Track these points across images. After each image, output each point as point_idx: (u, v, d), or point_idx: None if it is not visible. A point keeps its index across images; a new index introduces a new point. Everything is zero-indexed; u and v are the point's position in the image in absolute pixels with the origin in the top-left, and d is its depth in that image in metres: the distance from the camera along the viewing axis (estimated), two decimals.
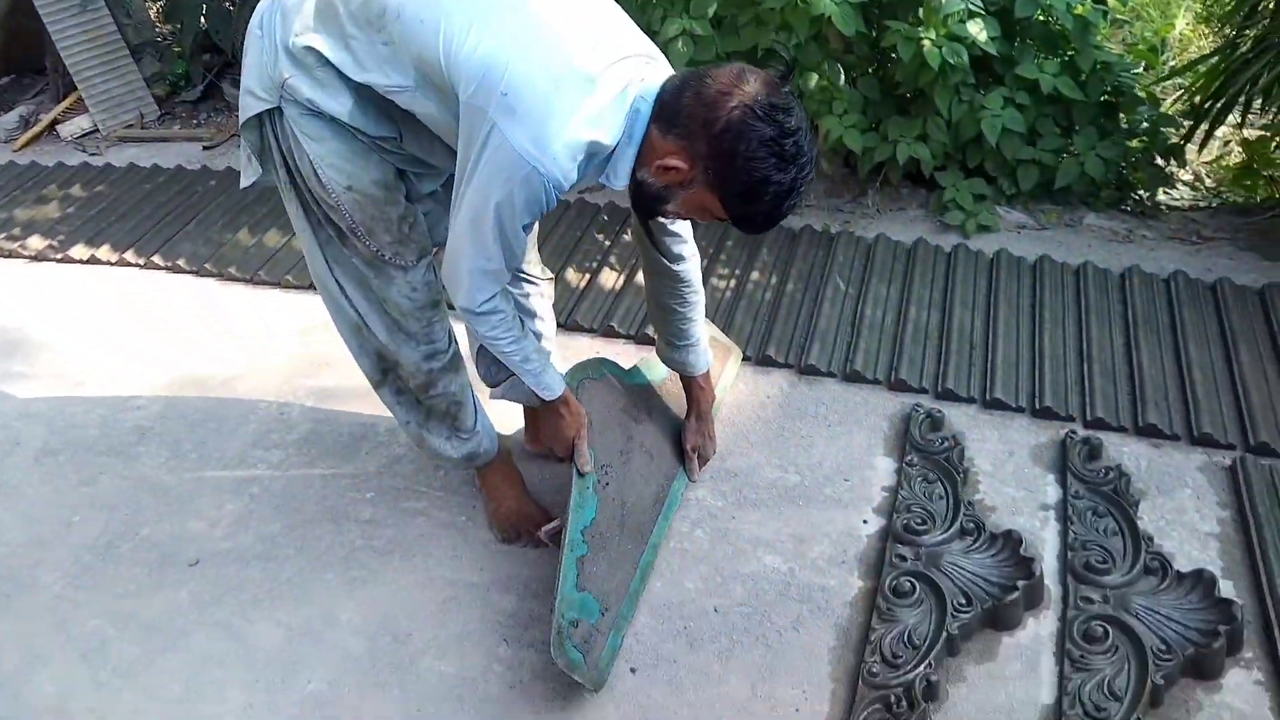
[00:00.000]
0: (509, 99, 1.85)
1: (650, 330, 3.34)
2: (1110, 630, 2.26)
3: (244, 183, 2.28)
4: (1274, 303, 3.24)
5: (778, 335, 3.33)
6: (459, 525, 2.76)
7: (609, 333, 3.44)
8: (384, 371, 2.51)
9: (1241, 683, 2.19)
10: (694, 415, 2.82)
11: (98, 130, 5.50)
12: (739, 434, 2.98)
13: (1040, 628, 2.35)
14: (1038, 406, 2.96)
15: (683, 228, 2.39)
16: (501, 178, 1.91)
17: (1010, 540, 2.49)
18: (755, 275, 3.63)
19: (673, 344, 2.66)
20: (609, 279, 3.68)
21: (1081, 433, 2.84)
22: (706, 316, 2.72)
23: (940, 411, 2.94)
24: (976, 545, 2.51)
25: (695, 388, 2.77)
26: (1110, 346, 3.16)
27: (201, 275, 4.03)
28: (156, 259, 4.13)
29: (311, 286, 3.81)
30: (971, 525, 2.56)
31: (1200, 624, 2.25)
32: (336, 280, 2.34)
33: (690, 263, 2.49)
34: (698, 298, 2.58)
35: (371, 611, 2.53)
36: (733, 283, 3.61)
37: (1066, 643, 2.27)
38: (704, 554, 2.62)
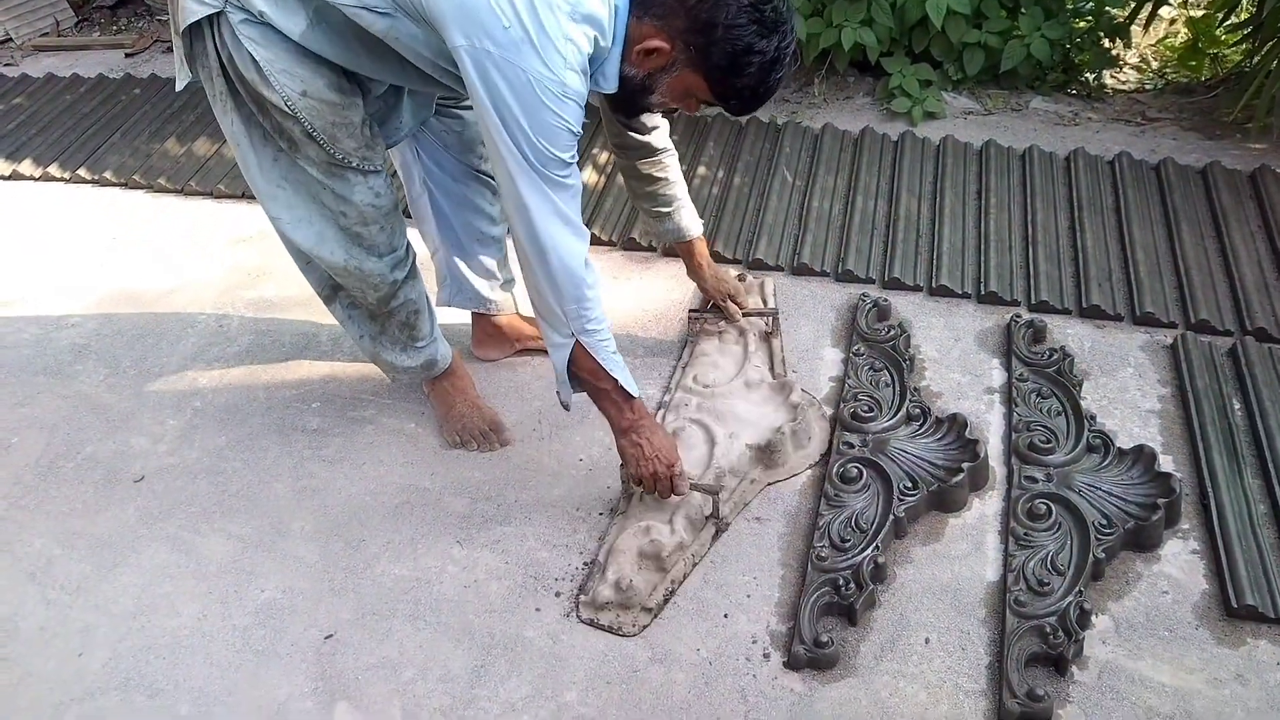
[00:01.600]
0: (511, 32, 1.75)
1: (636, 235, 3.30)
2: (1053, 508, 2.31)
3: (180, 85, 2.18)
4: (1216, 181, 3.26)
5: (725, 230, 3.29)
6: (408, 432, 2.74)
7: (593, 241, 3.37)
8: (334, 288, 2.44)
9: (1178, 552, 2.26)
10: (708, 270, 2.83)
11: (11, 40, 5.23)
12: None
13: (985, 508, 2.40)
14: (983, 292, 2.97)
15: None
16: (534, 109, 1.81)
17: (955, 423, 2.52)
18: (702, 170, 3.57)
19: (662, 214, 2.64)
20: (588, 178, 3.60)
21: (1026, 316, 2.86)
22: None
23: (886, 300, 2.94)
24: (922, 430, 2.54)
25: (696, 248, 2.78)
26: (1055, 230, 3.16)
27: (130, 188, 3.90)
28: (82, 172, 3.98)
29: (247, 195, 3.71)
30: (917, 410, 2.58)
31: (1140, 498, 2.31)
32: (287, 199, 2.22)
33: (662, 129, 2.48)
34: (674, 159, 2.57)
35: (323, 519, 2.52)
36: None
37: (1011, 521, 2.31)
38: None
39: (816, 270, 3.12)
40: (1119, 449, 2.44)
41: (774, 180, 3.47)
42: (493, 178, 2.62)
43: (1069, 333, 2.85)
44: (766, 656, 2.13)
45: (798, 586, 2.25)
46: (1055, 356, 2.70)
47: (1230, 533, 2.24)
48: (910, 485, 2.38)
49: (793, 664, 2.10)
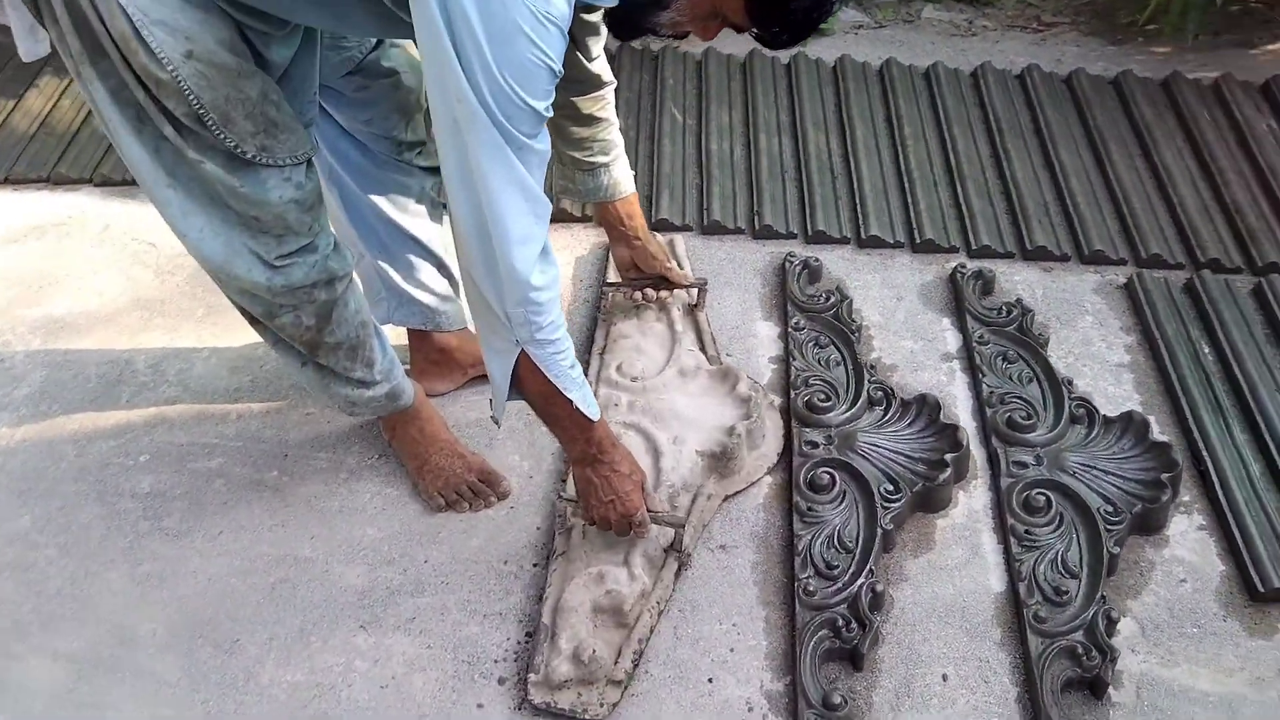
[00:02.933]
0: None
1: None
2: (1051, 498, 2.05)
3: (28, 55, 1.60)
4: (1132, 93, 3.04)
5: None
6: (270, 482, 2.19)
7: None
8: (269, 311, 1.85)
9: (1185, 531, 2.05)
10: (644, 237, 2.35)
11: None
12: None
13: (972, 502, 2.11)
14: (918, 240, 2.65)
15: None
16: (505, 36, 1.32)
17: (926, 406, 2.21)
18: None
19: (597, 166, 2.14)
20: None
21: (970, 265, 2.57)
22: None
23: (817, 260, 2.58)
24: (888, 417, 2.22)
25: (630, 209, 2.28)
26: (979, 160, 2.87)
27: None
28: None
29: (40, 179, 3.00)
30: (879, 394, 2.25)
31: (1141, 474, 2.07)
32: (180, 204, 1.64)
33: (604, 57, 2.00)
34: (613, 95, 2.09)
35: (179, 617, 1.97)
36: None
37: (1008, 517, 2.04)
38: None
39: (730, 228, 2.72)
40: (1104, 417, 2.19)
41: (663, 120, 3.01)
42: (421, 156, 2.07)
43: (1016, 280, 2.58)
44: None
45: (787, 630, 1.91)
46: (1014, 312, 2.42)
47: (1237, 503, 2.04)
48: (892, 488, 2.06)
49: None
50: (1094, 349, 2.40)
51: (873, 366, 2.32)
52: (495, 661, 1.89)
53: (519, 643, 1.91)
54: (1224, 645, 1.87)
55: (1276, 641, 1.87)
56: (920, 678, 1.84)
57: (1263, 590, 1.91)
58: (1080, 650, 1.81)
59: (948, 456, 2.08)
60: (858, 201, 2.74)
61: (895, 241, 2.66)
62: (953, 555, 2.02)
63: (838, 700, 1.76)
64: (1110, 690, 1.80)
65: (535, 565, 2.03)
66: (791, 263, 2.57)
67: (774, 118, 3.02)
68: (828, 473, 2.10)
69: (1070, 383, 2.26)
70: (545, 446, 2.23)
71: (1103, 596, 1.88)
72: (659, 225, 2.72)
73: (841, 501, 2.06)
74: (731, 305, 2.54)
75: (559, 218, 2.71)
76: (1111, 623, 1.85)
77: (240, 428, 2.30)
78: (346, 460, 2.22)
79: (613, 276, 2.55)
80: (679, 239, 2.66)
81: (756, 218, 2.72)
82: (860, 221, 2.69)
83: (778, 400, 2.30)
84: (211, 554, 2.07)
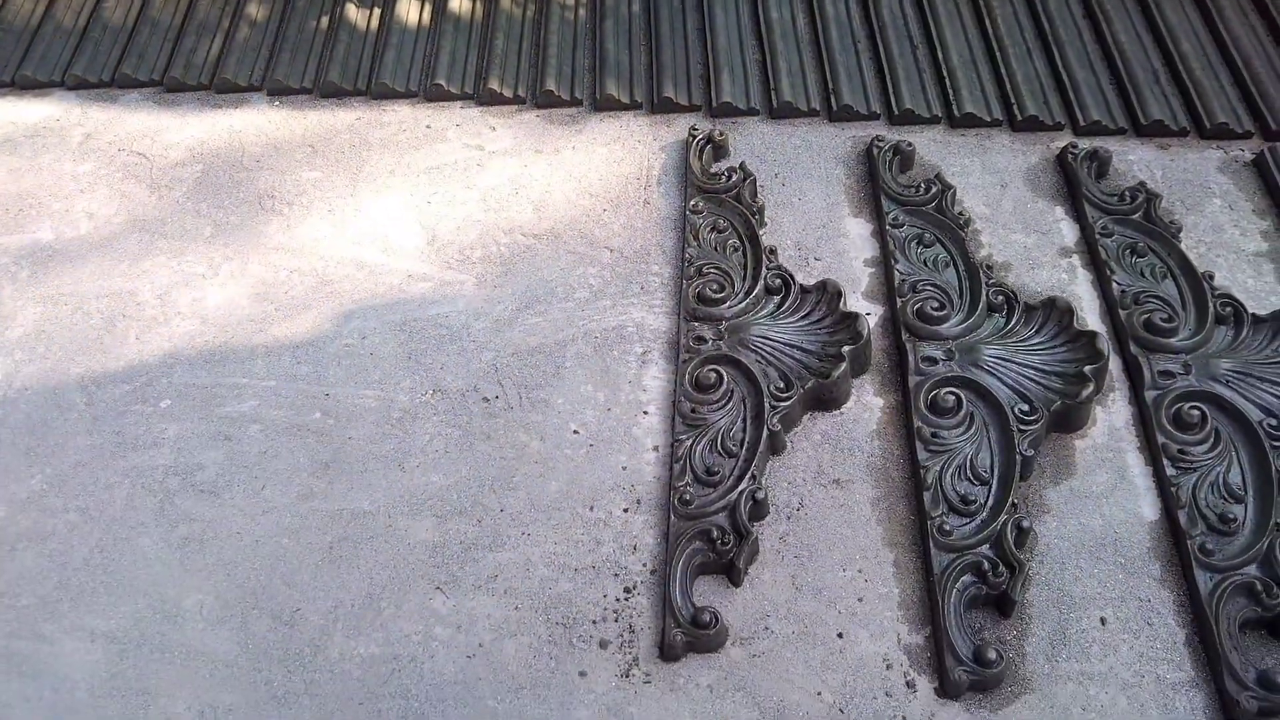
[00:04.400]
0: None
1: (552, 83, 2.45)
2: (1205, 410, 1.81)
3: None
4: None
5: (641, 64, 2.49)
6: (313, 426, 1.93)
7: (494, 98, 2.52)
8: None
9: None
10: None
11: None
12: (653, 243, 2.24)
13: (1113, 418, 1.88)
14: (1018, 117, 2.35)
15: None
16: None
17: (1055, 311, 1.95)
18: None
19: None
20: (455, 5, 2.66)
21: (1082, 145, 2.27)
22: None
23: (908, 144, 2.28)
24: (1012, 326, 1.96)
25: None
26: (1073, 21, 2.54)
27: None
28: None
29: (2, 84, 2.64)
30: (1000, 298, 1.99)
31: None
32: None
33: None
34: None
35: (227, 585, 1.74)
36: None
37: (1156, 435, 1.81)
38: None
39: (803, 109, 2.40)
40: (1254, 316, 1.94)
41: None
42: None
43: (1131, 160, 2.29)
44: (911, 685, 1.59)
45: (921, 575, 1.69)
46: (1139, 198, 2.14)
47: None
48: (1026, 408, 1.82)
49: (950, 691, 1.57)
50: (1226, 236, 2.13)
51: (988, 267, 2.06)
52: (594, 622, 1.66)
53: (617, 599, 1.69)
54: None
55: None
56: (1075, 622, 1.64)
57: None
58: (1259, 587, 1.60)
59: (1087, 369, 1.84)
60: (945, 74, 2.42)
61: (993, 119, 2.35)
62: (1097, 481, 1.80)
63: (992, 655, 1.56)
64: None
65: (625, 510, 1.79)
66: (880, 148, 2.26)
67: None
68: (952, 393, 1.85)
69: (1210, 276, 2.00)
70: (620, 374, 1.97)
71: (1277, 524, 1.67)
72: (721, 110, 2.40)
73: (970, 425, 1.82)
74: (815, 200, 2.25)
75: (561, 104, 2.43)
76: None
77: (270, 364, 2.02)
78: (397, 398, 1.95)
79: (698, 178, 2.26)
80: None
81: (833, 97, 2.40)
82: (951, 96, 2.38)
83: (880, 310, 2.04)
84: (255, 512, 1.82)
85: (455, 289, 2.12)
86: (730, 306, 2.00)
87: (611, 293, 2.10)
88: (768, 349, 1.94)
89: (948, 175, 2.25)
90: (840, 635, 1.64)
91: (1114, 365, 1.93)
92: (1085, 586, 1.67)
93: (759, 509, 1.75)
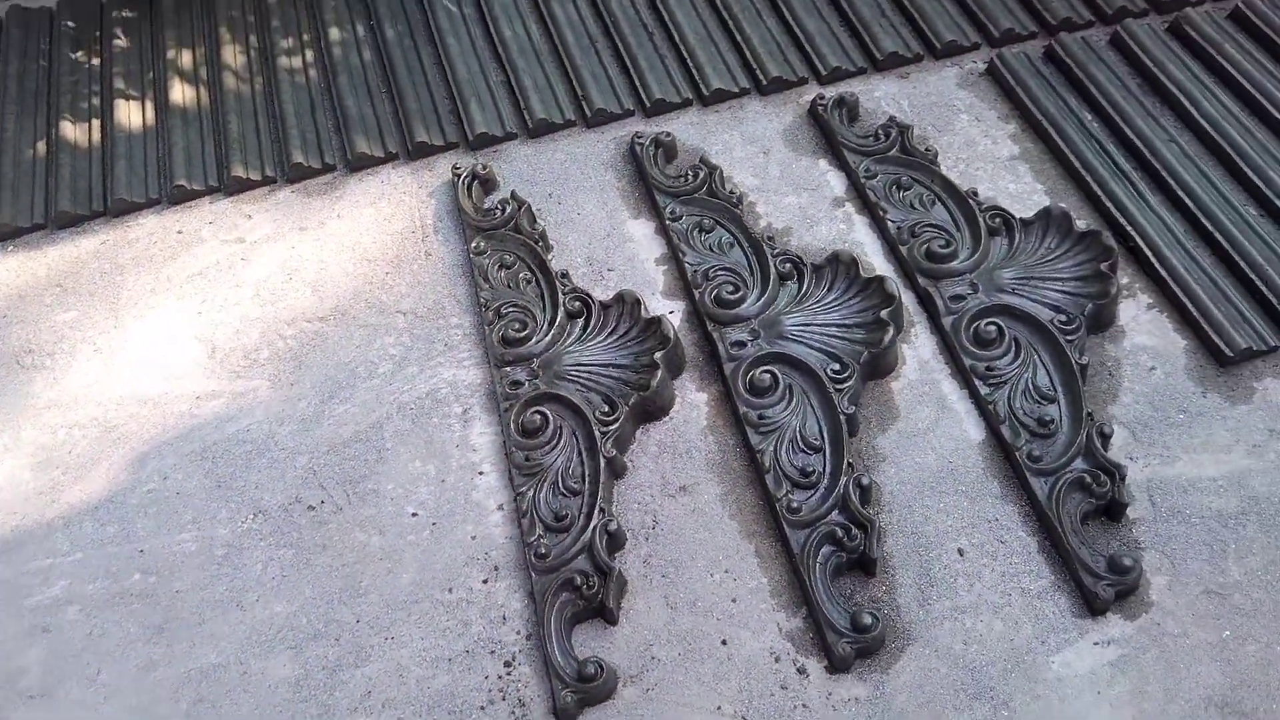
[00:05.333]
0: None
1: (299, 155, 2.33)
2: (1000, 324, 1.89)
3: None
4: None
5: (309, 134, 2.42)
6: (135, 590, 1.79)
7: (243, 185, 2.36)
8: None
9: (1136, 316, 1.94)
10: None
11: None
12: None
13: (919, 352, 1.94)
14: (764, 81, 2.38)
15: None
16: None
17: (841, 265, 1.99)
18: (336, 34, 2.59)
19: None
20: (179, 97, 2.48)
21: (829, 94, 2.32)
22: None
23: (667, 134, 2.28)
24: (805, 290, 1.98)
25: None
26: None
27: None
28: None
29: None
30: (788, 265, 2.01)
31: (1080, 271, 1.94)
32: None
33: None
34: None
35: None
36: None
37: (962, 358, 1.87)
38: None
39: (560, 122, 2.37)
40: (1022, 221, 2.03)
41: (437, 18, 2.58)
42: None
43: (877, 96, 2.36)
44: (802, 671, 1.60)
45: (784, 558, 1.71)
46: (892, 133, 2.20)
47: (1176, 270, 1.94)
48: (838, 367, 1.85)
49: (839, 666, 1.59)
50: (980, 148, 2.23)
51: (769, 237, 2.08)
52: (481, 709, 1.61)
53: (500, 677, 1.64)
54: (1212, 423, 1.79)
55: (1257, 402, 1.80)
56: (936, 561, 1.69)
57: (1231, 354, 1.83)
58: (1088, 479, 1.68)
59: (883, 314, 1.89)
60: (686, 55, 2.43)
61: (741, 89, 2.38)
62: (921, 417, 1.85)
63: (868, 620, 1.59)
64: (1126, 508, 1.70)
65: (485, 581, 1.73)
66: (641, 144, 2.25)
67: None
68: (767, 371, 1.87)
69: (974, 193, 2.08)
70: (445, 440, 1.90)
71: (1089, 414, 1.76)
72: (479, 142, 2.34)
73: (790, 398, 1.84)
74: (593, 212, 2.22)
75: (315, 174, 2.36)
76: (1106, 438, 1.73)
77: (73, 535, 1.86)
78: (217, 533, 1.83)
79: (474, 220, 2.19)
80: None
81: (585, 103, 2.37)
82: (697, 76, 2.39)
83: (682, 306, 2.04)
84: (96, 702, 1.68)
85: (249, 398, 2.00)
86: (537, 342, 1.96)
87: (416, 358, 2.03)
88: (584, 376, 1.91)
89: (711, 155, 2.27)
90: (724, 642, 1.64)
91: (908, 301, 2.00)
92: (936, 523, 1.73)
93: (615, 540, 1.72)
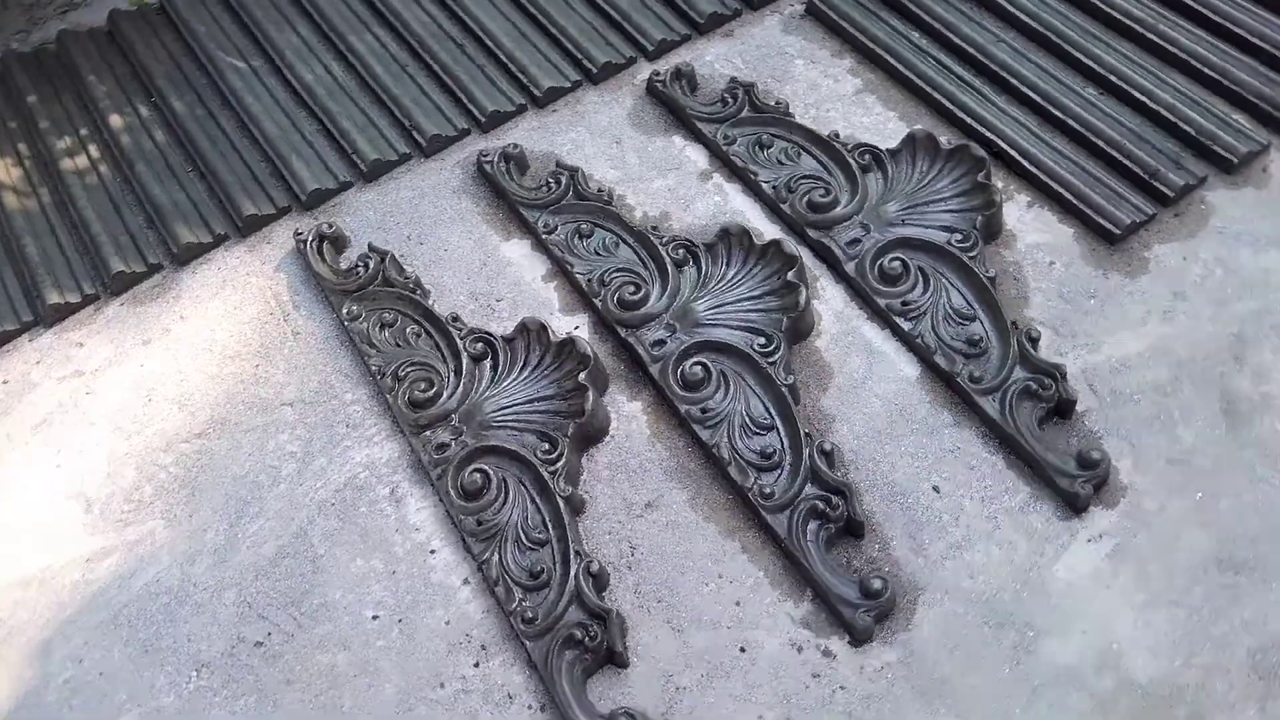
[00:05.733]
0: None
1: (120, 263, 2.07)
2: (902, 258, 1.89)
3: None
4: None
5: (121, 237, 2.20)
6: None
7: (70, 308, 2.08)
8: None
9: (1020, 217, 1.98)
10: None
11: None
12: None
13: (832, 304, 1.92)
14: (594, 70, 2.29)
15: None
16: None
17: (732, 239, 1.93)
18: (122, 119, 2.32)
19: None
20: None
21: (664, 68, 2.25)
22: None
23: (515, 146, 2.16)
24: (707, 275, 1.92)
25: None
26: None
27: None
28: None
29: None
30: (680, 252, 1.93)
31: (960, 188, 1.96)
32: None
33: None
34: None
35: None
36: None
37: (875, 299, 1.86)
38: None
39: (396, 158, 2.21)
40: (889, 151, 2.04)
41: (226, 79, 2.35)
42: None
43: (709, 60, 2.31)
44: (828, 654, 1.56)
45: (773, 545, 1.66)
46: (738, 95, 2.16)
47: (1044, 164, 1.99)
48: (764, 340, 1.80)
49: (862, 636, 1.56)
50: (824, 89, 2.22)
51: (652, 227, 2.01)
52: None
53: None
54: (1122, 300, 1.85)
55: (1154, 270, 1.88)
56: (917, 504, 1.68)
57: (1118, 231, 1.89)
58: (1033, 386, 1.71)
59: (789, 275, 1.85)
60: (506, 60, 2.31)
61: (573, 82, 2.29)
62: (854, 368, 1.84)
63: (877, 584, 1.56)
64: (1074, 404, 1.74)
65: (476, 665, 1.60)
66: (489, 163, 2.13)
67: (347, 15, 2.45)
68: (696, 364, 1.80)
69: (836, 135, 2.08)
70: (382, 528, 1.75)
71: (1012, 323, 1.79)
72: (313, 200, 2.16)
73: (726, 385, 1.78)
74: (461, 244, 2.09)
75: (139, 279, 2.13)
76: (1035, 341, 1.76)
77: None
78: (162, 703, 1.61)
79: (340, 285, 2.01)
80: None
81: (416, 132, 2.22)
82: (525, 80, 2.28)
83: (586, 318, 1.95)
84: None
85: (148, 545, 1.78)
86: (449, 397, 1.82)
87: (319, 448, 1.85)
88: (512, 419, 1.79)
89: (564, 157, 2.17)
90: (743, 649, 1.58)
91: (806, 257, 1.97)
92: (903, 468, 1.72)
93: (600, 580, 1.63)
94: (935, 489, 1.69)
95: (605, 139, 2.21)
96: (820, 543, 1.62)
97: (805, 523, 1.63)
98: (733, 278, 1.90)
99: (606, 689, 1.57)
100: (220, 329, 2.03)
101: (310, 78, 2.32)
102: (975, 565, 1.61)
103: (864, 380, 1.82)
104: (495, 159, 2.13)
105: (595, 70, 2.28)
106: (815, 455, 1.67)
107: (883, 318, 1.86)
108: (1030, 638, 1.54)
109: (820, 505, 1.63)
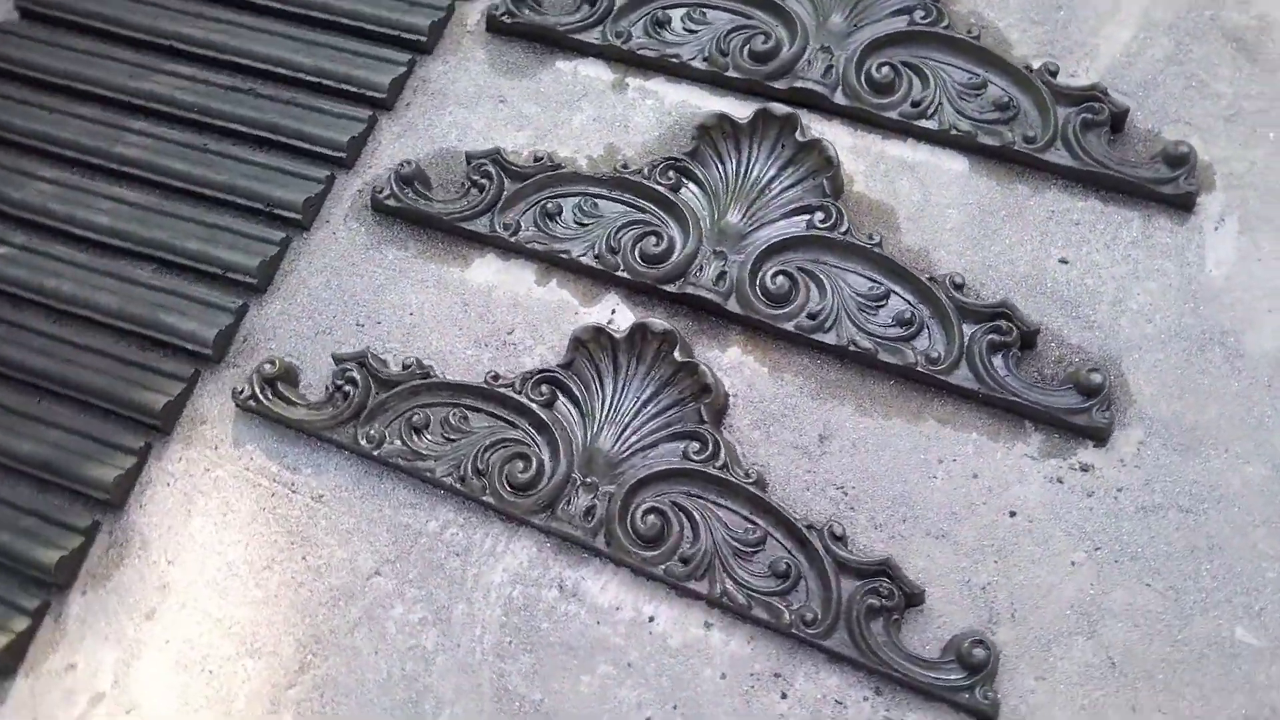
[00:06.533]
0: None
1: None
2: (890, 62, 1.72)
3: None
4: None
5: None
6: None
7: None
8: None
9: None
10: None
11: None
12: None
13: (835, 138, 1.74)
14: (381, 96, 1.91)
15: None
16: None
17: (715, 136, 1.70)
18: None
19: None
20: None
21: None
22: None
23: (408, 163, 1.78)
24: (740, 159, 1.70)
25: None
26: None
27: None
28: None
29: None
30: (673, 176, 1.70)
31: None
32: None
33: None
34: None
35: None
36: None
37: (883, 114, 1.70)
38: None
39: (277, 247, 1.79)
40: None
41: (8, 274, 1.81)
42: None
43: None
44: (1087, 468, 1.48)
45: (968, 400, 1.53)
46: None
47: None
48: (822, 217, 1.63)
49: (1105, 434, 1.48)
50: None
51: (624, 165, 1.74)
52: None
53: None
54: None
55: None
56: (1059, 285, 1.59)
57: None
58: (1088, 116, 1.62)
59: (796, 136, 1.66)
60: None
61: (407, 63, 1.89)
62: (907, 190, 1.68)
63: (1095, 378, 1.48)
64: None
65: (783, 697, 1.42)
66: (387, 197, 1.75)
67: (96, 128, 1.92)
68: (777, 275, 1.60)
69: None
70: (577, 631, 1.49)
71: (1026, 66, 1.68)
72: (218, 347, 1.72)
73: (815, 281, 1.60)
74: (423, 300, 1.73)
75: None
76: (1054, 73, 1.68)
77: None
78: None
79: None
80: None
81: (280, 210, 1.79)
82: (359, 89, 1.88)
83: None
84: None
85: None
86: (553, 458, 1.54)
87: (447, 597, 1.53)
88: (636, 439, 1.54)
89: (461, 147, 1.83)
90: (1012, 514, 1.47)
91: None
92: (1021, 258, 1.62)
93: (843, 537, 1.46)
94: (1062, 261, 1.61)
95: (487, 104, 1.87)
96: (1013, 370, 1.51)
97: (989, 360, 1.51)
98: (744, 172, 1.68)
99: (921, 632, 1.43)
100: (226, 548, 1.62)
101: (106, 220, 1.82)
102: (1144, 308, 1.56)
103: (925, 199, 1.68)
104: (392, 189, 1.76)
105: (424, 39, 1.90)
106: (950, 291, 1.55)
107: (901, 129, 1.71)
108: (1232, 344, 1.52)
109: (995, 337, 1.51)
